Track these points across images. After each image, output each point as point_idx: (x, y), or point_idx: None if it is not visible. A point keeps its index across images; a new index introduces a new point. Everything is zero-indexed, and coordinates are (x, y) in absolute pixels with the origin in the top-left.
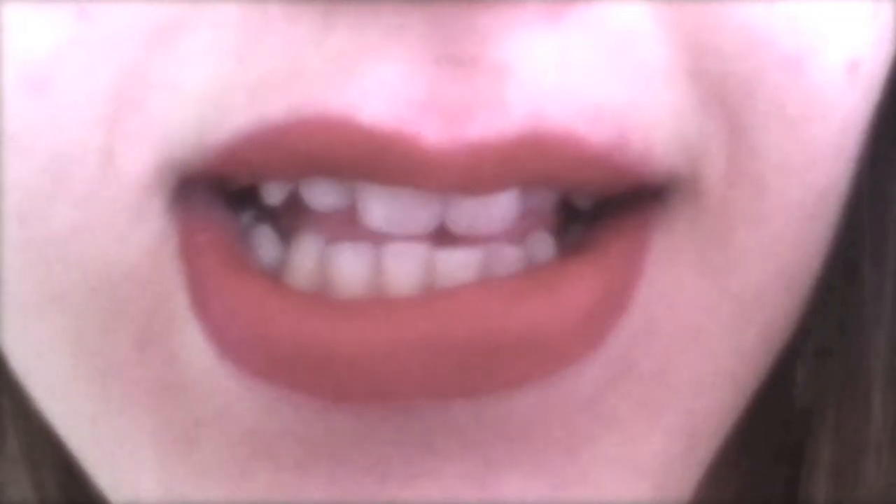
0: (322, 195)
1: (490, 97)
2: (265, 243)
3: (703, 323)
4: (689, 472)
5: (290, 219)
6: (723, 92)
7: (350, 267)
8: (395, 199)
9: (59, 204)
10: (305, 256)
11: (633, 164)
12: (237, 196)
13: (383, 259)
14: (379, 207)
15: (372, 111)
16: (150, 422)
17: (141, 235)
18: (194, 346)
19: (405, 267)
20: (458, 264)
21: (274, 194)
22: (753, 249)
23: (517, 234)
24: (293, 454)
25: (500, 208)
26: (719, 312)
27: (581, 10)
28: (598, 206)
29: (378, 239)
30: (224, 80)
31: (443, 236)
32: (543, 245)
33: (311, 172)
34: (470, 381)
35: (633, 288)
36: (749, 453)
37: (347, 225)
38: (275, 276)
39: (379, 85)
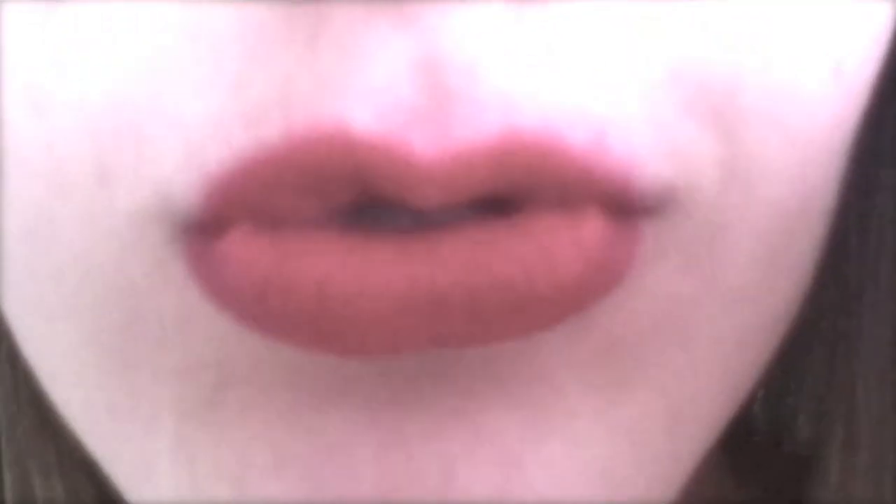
0: None
1: (467, 96)
2: None
3: (687, 316)
4: (671, 455)
5: None
6: (707, 93)
7: None
8: None
9: (64, 221)
10: None
11: (616, 170)
12: None
13: None
14: None
15: (362, 121)
16: (170, 399)
17: (142, 259)
18: (210, 322)
19: None
20: None
21: None
22: (741, 249)
23: None
24: (311, 399)
25: None
26: (704, 309)
27: (548, 12)
28: None
29: None
30: (219, 109)
31: None
32: None
33: (310, 194)
34: (460, 333)
35: (628, 259)
36: (747, 457)
37: None
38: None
39: (365, 97)
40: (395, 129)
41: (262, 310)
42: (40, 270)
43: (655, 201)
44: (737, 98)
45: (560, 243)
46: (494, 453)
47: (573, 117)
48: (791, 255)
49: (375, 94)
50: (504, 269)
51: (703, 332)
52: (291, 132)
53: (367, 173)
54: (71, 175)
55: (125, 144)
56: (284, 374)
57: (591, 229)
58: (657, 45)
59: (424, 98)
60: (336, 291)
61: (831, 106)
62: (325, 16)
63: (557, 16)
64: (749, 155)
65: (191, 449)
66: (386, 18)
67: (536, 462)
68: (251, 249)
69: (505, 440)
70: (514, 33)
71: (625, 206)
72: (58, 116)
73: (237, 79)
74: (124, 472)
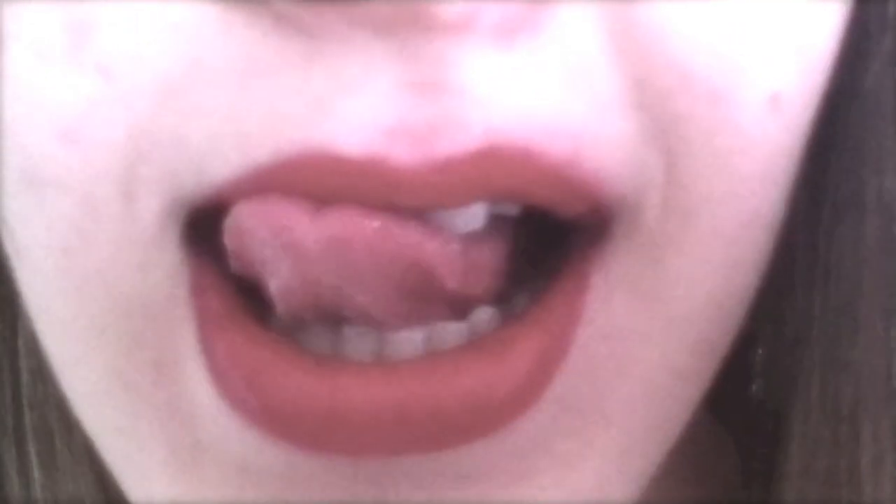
0: None
1: (452, 116)
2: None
3: (637, 348)
4: (626, 478)
5: None
6: (661, 125)
7: (318, 342)
8: None
9: (96, 237)
10: (283, 324)
11: (586, 181)
12: None
13: (341, 338)
14: None
15: (347, 142)
16: (161, 438)
17: (159, 268)
18: (198, 380)
19: (361, 345)
20: (405, 342)
21: None
22: (683, 275)
23: (462, 309)
24: (277, 486)
25: (471, 211)
26: (652, 336)
27: (533, 36)
28: (544, 263)
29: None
30: (216, 131)
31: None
32: (486, 316)
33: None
34: (423, 441)
35: (569, 342)
36: (725, 454)
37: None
38: (265, 324)
39: (352, 118)
40: (380, 149)
41: (252, 405)
42: (70, 284)
43: (616, 214)
44: (684, 130)
45: (510, 356)
46: None
47: (552, 132)
48: (732, 279)
49: (364, 117)
50: (460, 383)
51: (657, 363)
52: (281, 155)
53: (353, 190)
54: (101, 197)
55: (145, 167)
56: (255, 453)
57: (536, 339)
58: (628, 73)
59: (412, 120)
60: (315, 405)
61: (769, 138)
62: (317, 42)
63: (537, 40)
64: (688, 184)
65: (179, 491)
66: (378, 44)
67: None
68: (252, 359)
69: None
70: (499, 58)
71: (594, 224)
72: (88, 146)
73: (231, 103)
74: (126, 480)
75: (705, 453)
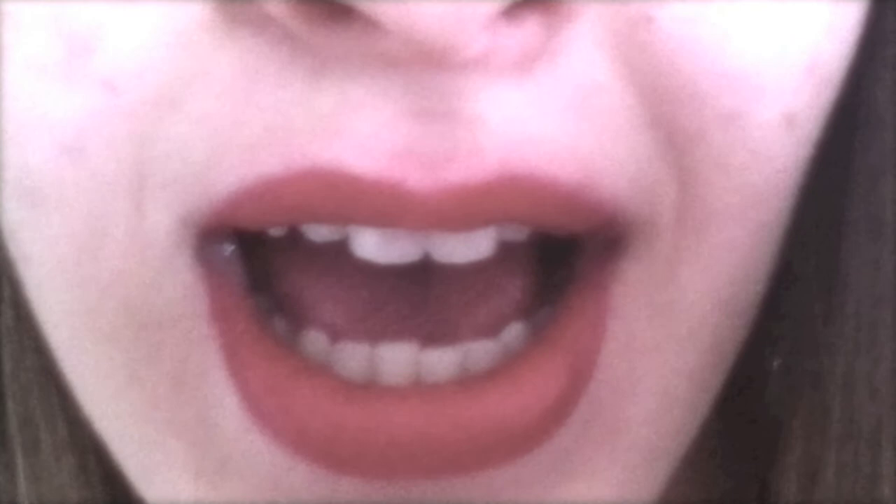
0: (318, 229)
1: (467, 145)
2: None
3: (654, 361)
4: (649, 485)
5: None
6: (674, 143)
7: (353, 363)
8: (383, 233)
9: (105, 252)
10: (315, 347)
11: (600, 204)
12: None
13: (377, 359)
14: (370, 239)
15: (358, 163)
16: (186, 453)
17: (173, 285)
18: (224, 399)
19: (396, 366)
20: (440, 363)
21: (275, 230)
22: (696, 287)
23: (493, 327)
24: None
25: (480, 241)
26: (668, 348)
27: (547, 64)
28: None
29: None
30: (222, 141)
31: (430, 336)
32: (515, 333)
33: (307, 218)
34: (455, 464)
35: (595, 361)
36: (726, 456)
37: (338, 259)
38: (291, 347)
39: (364, 138)
40: (392, 171)
41: (285, 431)
42: (79, 298)
43: (623, 229)
44: (697, 150)
45: (540, 378)
46: None
47: (564, 158)
48: (743, 287)
49: (373, 139)
50: (492, 407)
51: (674, 373)
52: (290, 167)
53: (364, 209)
54: (109, 212)
55: (152, 179)
56: (283, 474)
57: (561, 366)
58: (640, 96)
59: (423, 146)
60: (350, 432)
61: (783, 155)
62: (324, 59)
63: (552, 70)
64: (702, 200)
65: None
66: (388, 71)
67: None
68: (281, 380)
69: None
70: (514, 88)
71: (609, 241)
72: (93, 159)
73: (236, 114)
74: (148, 492)
75: (704, 453)
